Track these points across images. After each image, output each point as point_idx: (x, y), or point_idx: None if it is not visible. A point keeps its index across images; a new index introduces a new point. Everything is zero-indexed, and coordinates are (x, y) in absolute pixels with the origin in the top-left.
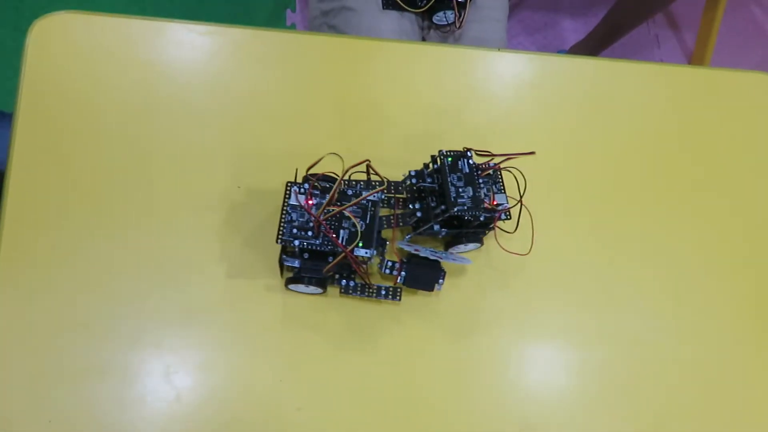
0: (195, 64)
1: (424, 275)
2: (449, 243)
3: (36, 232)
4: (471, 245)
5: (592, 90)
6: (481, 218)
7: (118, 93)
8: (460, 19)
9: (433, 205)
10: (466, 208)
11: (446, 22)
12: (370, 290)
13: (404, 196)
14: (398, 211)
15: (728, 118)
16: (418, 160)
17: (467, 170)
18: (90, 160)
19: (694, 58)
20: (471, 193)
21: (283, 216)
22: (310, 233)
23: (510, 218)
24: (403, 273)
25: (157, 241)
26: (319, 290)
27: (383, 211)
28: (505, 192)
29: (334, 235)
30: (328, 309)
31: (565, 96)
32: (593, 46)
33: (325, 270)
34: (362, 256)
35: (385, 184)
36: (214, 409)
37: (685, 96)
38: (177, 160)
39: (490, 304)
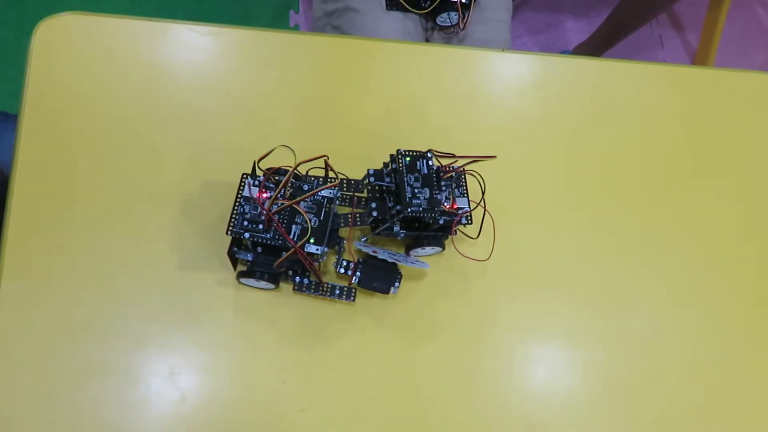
0: (198, 65)
1: (379, 277)
2: (410, 246)
3: (40, 233)
4: (431, 249)
5: (596, 91)
6: (441, 221)
7: (122, 94)
8: (464, 21)
9: (390, 205)
10: (421, 209)
11: (450, 24)
12: (324, 289)
13: (364, 195)
14: (356, 210)
15: (731, 119)
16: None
17: (426, 171)
18: (94, 161)
19: (697, 58)
20: (428, 195)
21: (236, 208)
22: (261, 226)
23: (471, 223)
24: (358, 273)
25: (163, 241)
26: (271, 286)
27: (344, 210)
28: (467, 196)
29: (282, 228)
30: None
31: (569, 97)
32: (597, 46)
33: (275, 264)
34: (313, 253)
35: (338, 180)
36: (218, 410)
37: (688, 96)
38: (181, 160)
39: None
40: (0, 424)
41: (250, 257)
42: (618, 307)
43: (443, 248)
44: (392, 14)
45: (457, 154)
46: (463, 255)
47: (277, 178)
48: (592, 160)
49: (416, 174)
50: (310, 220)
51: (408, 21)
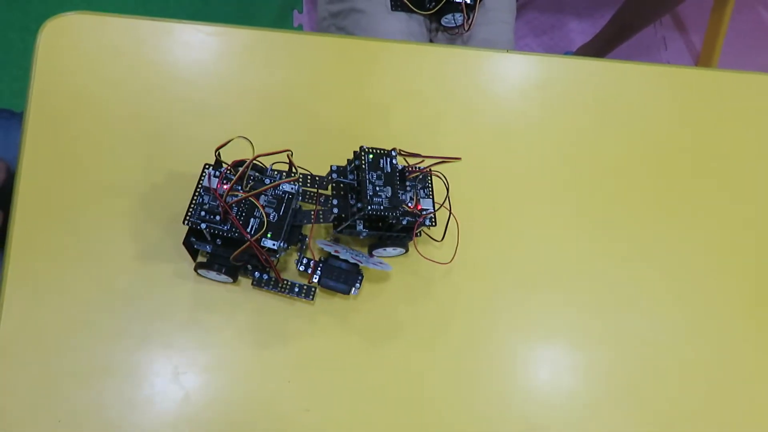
0: (203, 65)
1: (340, 277)
2: (373, 246)
3: (46, 232)
4: (394, 250)
5: (599, 92)
6: (404, 222)
7: (127, 93)
8: (469, 22)
9: (352, 202)
10: (382, 208)
11: (454, 24)
12: (283, 285)
13: (328, 192)
14: (320, 208)
15: (735, 120)
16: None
17: (389, 170)
18: (100, 159)
19: (701, 59)
20: (390, 194)
21: (195, 198)
22: (218, 217)
23: (435, 225)
24: (318, 272)
25: (169, 239)
26: (229, 279)
27: (309, 207)
28: (433, 197)
29: (238, 221)
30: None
31: (572, 97)
32: (600, 47)
33: (232, 257)
34: (270, 248)
35: (297, 175)
36: (223, 410)
37: (691, 98)
38: (185, 160)
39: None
40: (5, 423)
41: (209, 249)
42: (615, 308)
43: (407, 250)
44: (397, 15)
45: (424, 154)
46: (424, 257)
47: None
48: (594, 160)
49: (379, 172)
50: (267, 214)
51: (412, 22)
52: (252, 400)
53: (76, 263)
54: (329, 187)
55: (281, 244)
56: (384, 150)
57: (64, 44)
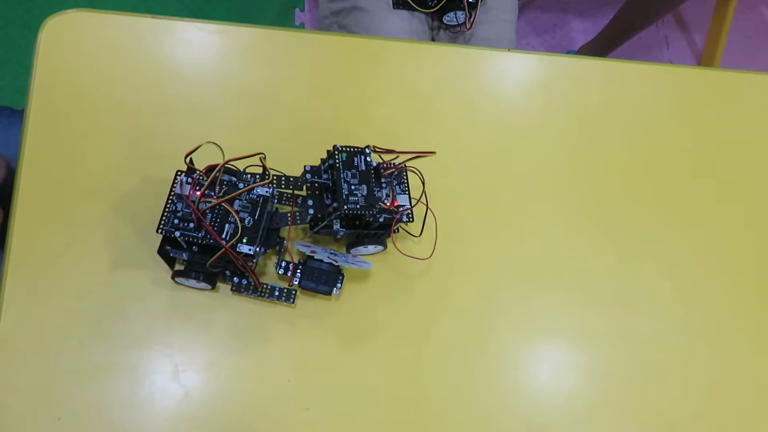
0: (204, 63)
1: (321, 278)
2: (351, 244)
3: (47, 230)
4: (373, 248)
5: (601, 91)
6: (381, 219)
7: (128, 90)
8: (471, 20)
9: (327, 202)
10: (358, 206)
11: (456, 23)
12: (263, 290)
13: (304, 193)
14: (296, 209)
15: (737, 120)
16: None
17: (363, 167)
18: (101, 157)
19: (703, 59)
20: (365, 192)
21: (168, 205)
22: (192, 225)
23: (413, 221)
24: (298, 274)
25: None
26: (207, 286)
27: (285, 208)
28: (408, 193)
29: (212, 227)
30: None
31: (574, 97)
32: (602, 46)
33: (208, 264)
34: (246, 254)
35: (270, 178)
36: (223, 408)
37: (694, 97)
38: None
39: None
40: (5, 421)
41: (185, 256)
42: (613, 307)
43: (385, 247)
44: (399, 13)
45: (397, 150)
46: (403, 254)
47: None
48: (595, 159)
49: (353, 170)
50: (241, 219)
51: (414, 20)
52: (249, 402)
53: (76, 261)
54: (304, 187)
55: (257, 249)
56: (358, 148)
57: (65, 42)
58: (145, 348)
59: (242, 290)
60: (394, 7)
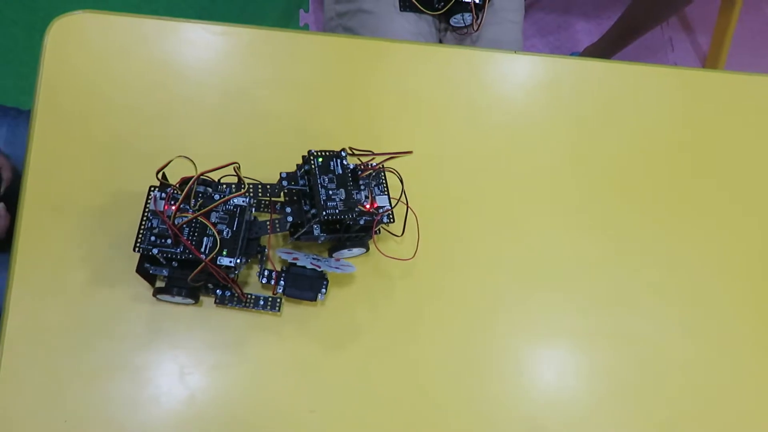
0: (209, 64)
1: (305, 284)
2: (333, 248)
3: (52, 231)
4: (356, 250)
5: (605, 93)
6: (361, 222)
7: (134, 91)
8: (478, 22)
9: (306, 208)
10: (337, 211)
11: (463, 24)
12: (247, 301)
13: (282, 199)
14: (275, 216)
15: (741, 122)
16: (421, 165)
17: (340, 171)
18: (107, 158)
19: (708, 61)
20: (343, 196)
21: (143, 223)
22: (170, 240)
23: (393, 221)
24: (281, 282)
25: None
26: (191, 301)
27: (265, 217)
28: (387, 194)
29: (189, 242)
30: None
31: (578, 99)
32: (607, 48)
33: (189, 279)
34: (227, 266)
35: (246, 187)
36: (228, 411)
37: (698, 99)
38: (194, 156)
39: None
40: (12, 422)
41: (166, 273)
42: (612, 307)
43: (367, 249)
44: (406, 15)
45: (376, 151)
46: (385, 255)
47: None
48: (599, 160)
49: (330, 175)
50: (219, 232)
51: (421, 22)
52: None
53: (82, 264)
54: (282, 194)
55: (238, 261)
56: (333, 151)
57: (71, 43)
58: (151, 350)
59: (226, 302)
60: (401, 10)
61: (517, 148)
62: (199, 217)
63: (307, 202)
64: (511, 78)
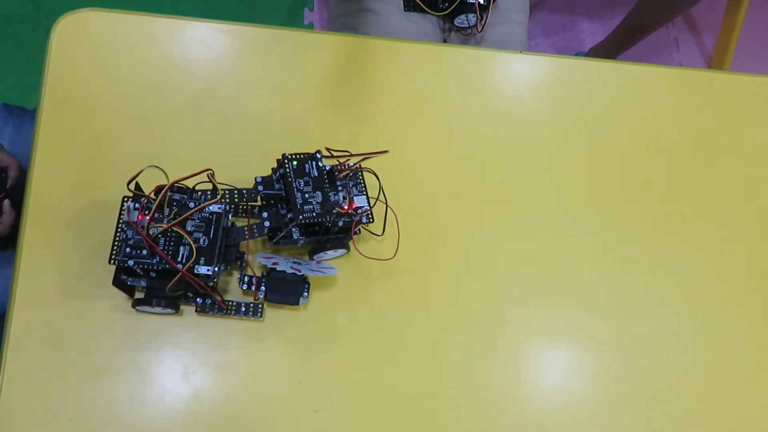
0: (215, 62)
1: (286, 288)
2: (313, 251)
3: (57, 230)
4: (336, 252)
5: (610, 93)
6: (340, 223)
7: (140, 89)
8: (483, 22)
9: (283, 213)
10: (314, 214)
11: (468, 25)
12: (228, 308)
13: (259, 203)
14: (253, 221)
15: (746, 123)
16: (428, 163)
17: (316, 174)
18: (114, 157)
19: (713, 61)
20: (320, 198)
21: (118, 234)
22: (145, 252)
23: (373, 221)
24: (262, 288)
25: None
26: (171, 311)
27: (242, 222)
28: (366, 194)
29: (165, 252)
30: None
31: (583, 99)
32: (612, 48)
33: (167, 289)
34: (205, 274)
35: (220, 194)
36: (232, 409)
37: (704, 100)
38: (197, 158)
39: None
40: (17, 420)
41: (144, 283)
42: (613, 310)
43: (348, 249)
44: (410, 15)
45: (353, 152)
46: (365, 256)
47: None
48: (601, 162)
49: (306, 178)
50: (195, 241)
51: (426, 22)
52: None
53: (87, 262)
54: (258, 198)
55: (215, 269)
56: (308, 154)
57: (77, 41)
58: (154, 349)
59: (207, 310)
60: (405, 10)
61: (519, 147)
62: (174, 227)
63: (284, 206)
64: (516, 78)
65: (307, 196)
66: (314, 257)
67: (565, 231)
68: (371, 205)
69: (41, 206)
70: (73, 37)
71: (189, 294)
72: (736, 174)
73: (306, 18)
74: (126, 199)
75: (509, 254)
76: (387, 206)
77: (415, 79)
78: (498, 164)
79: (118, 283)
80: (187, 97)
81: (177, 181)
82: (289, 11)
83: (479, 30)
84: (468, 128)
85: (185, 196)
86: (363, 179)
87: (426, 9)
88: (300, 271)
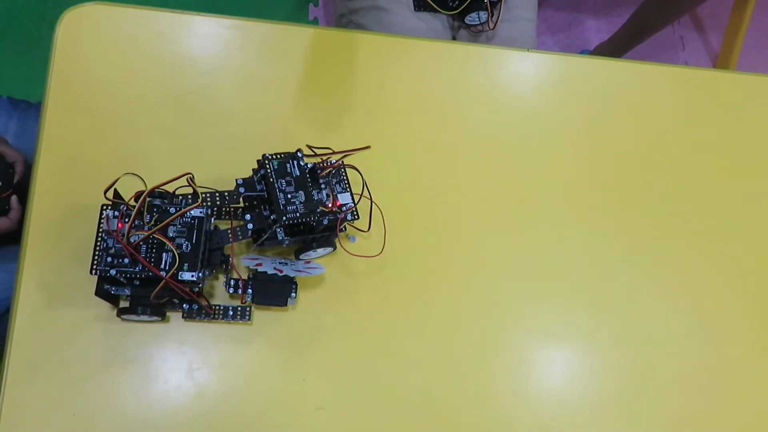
0: (220, 58)
1: (273, 290)
2: (300, 250)
3: (62, 225)
4: (323, 250)
5: (615, 92)
6: (324, 222)
7: (145, 84)
8: (494, 20)
9: (266, 214)
10: (298, 215)
11: (478, 22)
12: (215, 312)
13: (242, 205)
14: (236, 224)
15: (753, 123)
16: (427, 162)
17: (297, 173)
18: (119, 151)
19: (719, 60)
20: (303, 198)
21: (98, 243)
22: (127, 260)
23: (358, 218)
24: (249, 290)
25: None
26: (157, 318)
27: (225, 224)
28: (350, 191)
29: (146, 260)
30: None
31: (588, 97)
32: (618, 46)
33: (151, 297)
34: (189, 280)
35: (200, 199)
36: (236, 406)
37: (709, 100)
38: (203, 152)
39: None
40: (22, 415)
41: (128, 292)
42: (613, 311)
43: (335, 247)
44: (420, 14)
45: (335, 150)
46: (351, 254)
47: (149, 200)
48: (605, 161)
49: (288, 178)
50: (177, 246)
51: (435, 20)
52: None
53: (86, 262)
54: (240, 200)
55: (200, 274)
56: (289, 153)
57: (82, 35)
58: (159, 345)
59: (194, 316)
60: (415, 10)
61: (521, 144)
62: (155, 234)
63: (267, 207)
64: (523, 76)
65: (289, 196)
66: (301, 256)
67: (566, 230)
68: (356, 201)
69: (46, 202)
70: (79, 31)
71: (175, 300)
72: (743, 174)
73: (311, 13)
74: (105, 207)
75: (509, 254)
76: (372, 202)
77: (419, 77)
78: (498, 161)
79: (101, 293)
80: (193, 91)
81: (156, 187)
82: (294, 6)
83: (491, 27)
84: (469, 126)
85: (165, 201)
86: (346, 176)
87: (436, 8)
88: (282, 272)
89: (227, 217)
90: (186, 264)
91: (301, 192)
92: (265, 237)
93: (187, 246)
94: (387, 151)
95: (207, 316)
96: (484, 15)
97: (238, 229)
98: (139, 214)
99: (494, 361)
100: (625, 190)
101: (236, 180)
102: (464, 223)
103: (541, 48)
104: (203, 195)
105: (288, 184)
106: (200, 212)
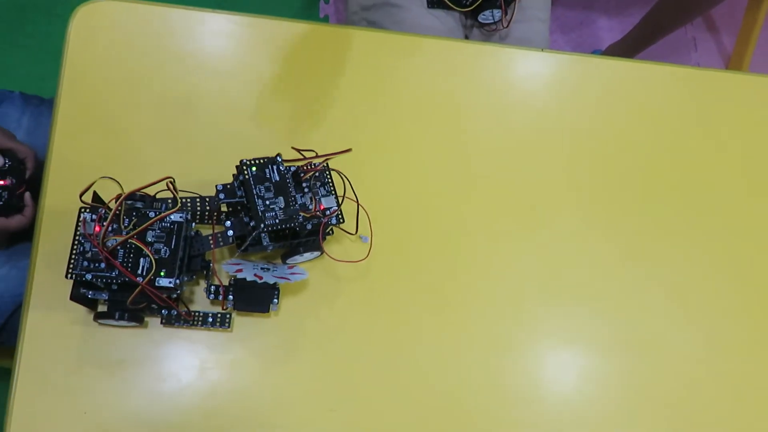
0: (232, 54)
1: (255, 296)
2: (286, 254)
3: (73, 221)
4: (309, 254)
5: (627, 93)
6: (308, 226)
7: (157, 80)
8: (508, 18)
9: (246, 220)
10: (277, 221)
11: (492, 21)
12: (194, 319)
13: (226, 209)
14: (217, 230)
15: (765, 125)
16: (445, 164)
17: (277, 178)
18: (131, 147)
19: (732, 61)
20: (283, 204)
21: (75, 247)
22: (103, 265)
23: (343, 221)
24: (230, 297)
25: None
26: (135, 323)
27: (207, 229)
28: (334, 194)
29: (122, 265)
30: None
31: (600, 97)
32: (631, 46)
33: (128, 302)
34: (165, 287)
35: (179, 204)
36: (248, 407)
37: (721, 102)
38: (214, 150)
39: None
40: (34, 414)
41: (105, 296)
42: (633, 317)
43: (322, 251)
44: (433, 11)
45: (320, 153)
46: (334, 259)
47: (131, 203)
48: (614, 162)
49: (267, 183)
50: (155, 252)
51: (449, 18)
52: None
53: None
54: (221, 206)
55: (177, 281)
56: (267, 158)
57: (95, 31)
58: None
59: (173, 322)
60: (429, 7)
61: (527, 146)
62: (131, 239)
63: (246, 214)
64: (537, 76)
65: (268, 202)
66: (287, 261)
67: (575, 232)
68: (339, 204)
69: (59, 196)
70: (91, 27)
71: (153, 306)
72: (755, 176)
73: (322, 10)
74: (83, 210)
75: (509, 256)
76: (358, 205)
77: (432, 76)
78: (509, 161)
79: (76, 297)
80: (204, 88)
81: (135, 191)
82: (304, 2)
83: (504, 25)
84: (480, 125)
85: (144, 204)
86: (331, 179)
87: (450, 5)
88: (262, 278)
89: (209, 222)
90: (163, 270)
91: (281, 197)
92: (247, 243)
93: (165, 251)
94: (395, 151)
95: (186, 322)
96: (497, 13)
97: (219, 235)
98: (117, 217)
99: (482, 366)
100: (636, 192)
101: (216, 186)
102: (464, 224)
103: (553, 47)
104: (183, 200)
105: (267, 189)
106: (180, 217)
